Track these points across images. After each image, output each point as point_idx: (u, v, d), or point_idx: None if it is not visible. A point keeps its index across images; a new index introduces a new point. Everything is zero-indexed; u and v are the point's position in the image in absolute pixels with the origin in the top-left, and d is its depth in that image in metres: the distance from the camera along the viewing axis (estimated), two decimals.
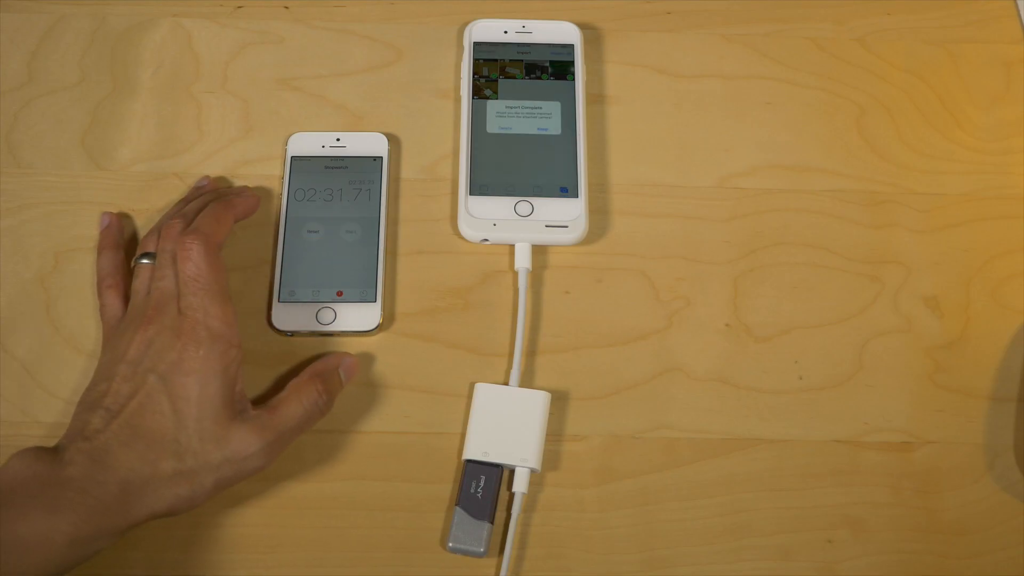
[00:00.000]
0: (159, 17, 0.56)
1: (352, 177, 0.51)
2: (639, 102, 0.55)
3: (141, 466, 0.40)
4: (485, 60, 0.54)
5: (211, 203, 0.47)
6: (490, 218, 0.50)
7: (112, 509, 0.39)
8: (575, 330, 0.49)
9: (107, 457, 0.39)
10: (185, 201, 0.50)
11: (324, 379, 0.45)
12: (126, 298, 0.46)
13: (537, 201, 0.50)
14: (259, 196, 0.50)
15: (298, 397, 0.44)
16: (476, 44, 0.54)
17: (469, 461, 0.46)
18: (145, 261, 0.46)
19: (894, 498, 0.47)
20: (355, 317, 0.48)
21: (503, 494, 0.46)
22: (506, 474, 0.46)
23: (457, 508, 0.45)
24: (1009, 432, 0.48)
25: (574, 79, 0.54)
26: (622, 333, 0.49)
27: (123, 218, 0.50)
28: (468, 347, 0.49)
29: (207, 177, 0.51)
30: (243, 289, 0.50)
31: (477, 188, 0.51)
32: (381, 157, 0.52)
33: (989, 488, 0.47)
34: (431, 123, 0.54)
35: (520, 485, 0.45)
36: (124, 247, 0.49)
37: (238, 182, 0.52)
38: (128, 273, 0.47)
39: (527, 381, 0.48)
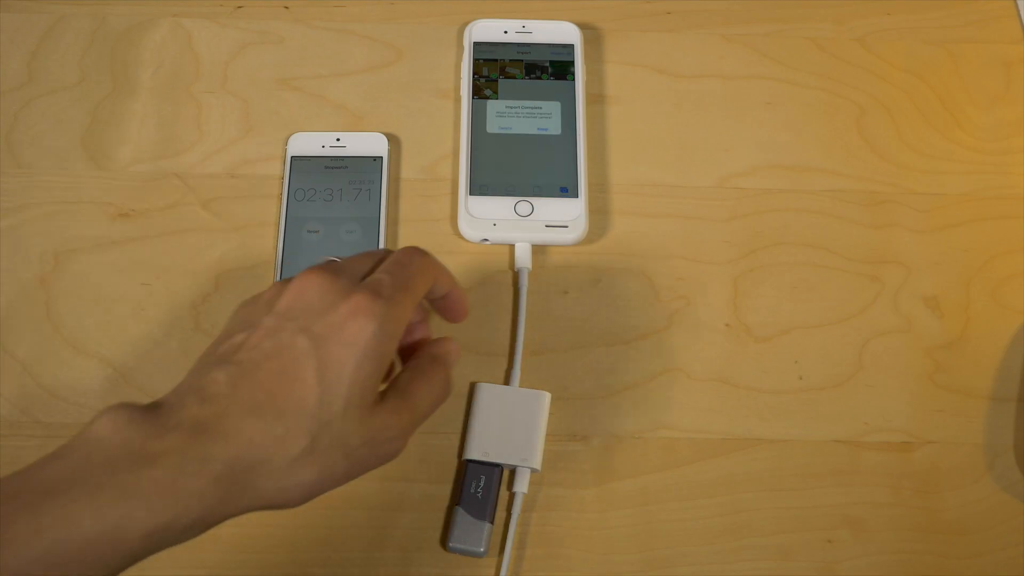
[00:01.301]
0: (159, 17, 0.56)
1: (352, 177, 0.51)
2: (639, 102, 0.55)
3: (263, 440, 0.33)
4: (485, 60, 0.54)
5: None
6: (490, 218, 0.50)
7: (206, 494, 0.32)
8: (575, 330, 0.49)
9: (222, 425, 0.32)
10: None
11: (445, 365, 0.39)
12: None
13: (537, 201, 0.50)
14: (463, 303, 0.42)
15: (427, 382, 0.38)
16: (476, 44, 0.54)
17: (469, 461, 0.46)
18: None
19: (894, 498, 0.47)
20: None
21: (503, 494, 0.46)
22: (506, 474, 0.46)
23: (457, 508, 0.45)
24: (1009, 432, 0.48)
25: (574, 79, 0.54)
26: (622, 333, 0.49)
27: None
28: (468, 347, 0.49)
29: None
30: (243, 289, 0.49)
31: (477, 188, 0.51)
32: (381, 157, 0.52)
33: (989, 488, 0.47)
34: (431, 123, 0.54)
35: (520, 485, 0.45)
36: None
37: (238, 182, 0.52)
38: None
39: (527, 381, 0.48)
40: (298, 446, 0.33)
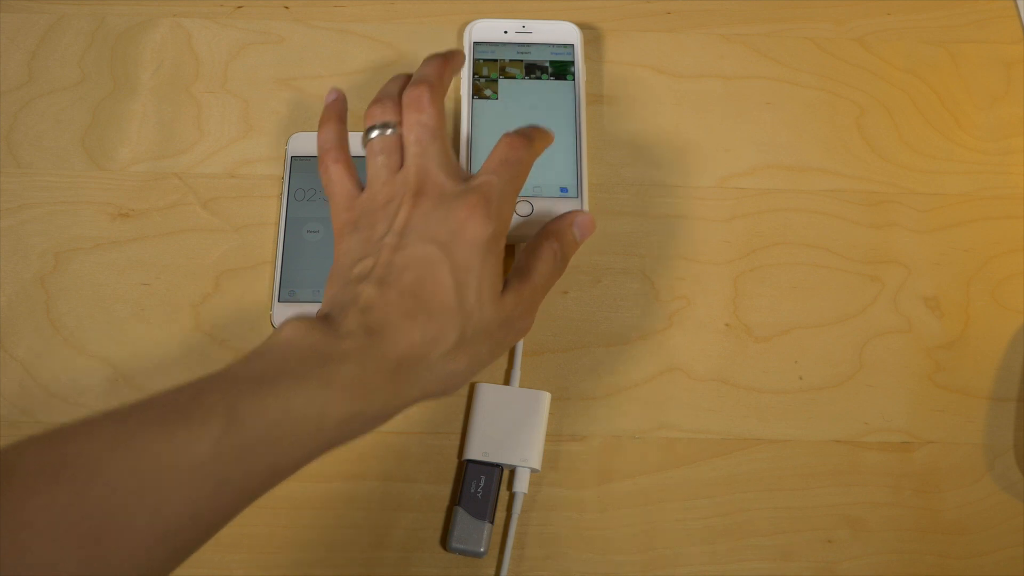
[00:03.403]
0: (159, 17, 0.56)
1: None
2: (639, 102, 0.55)
3: (423, 340, 0.37)
4: (485, 60, 0.54)
5: (427, 59, 0.44)
6: None
7: (385, 388, 0.36)
8: (575, 330, 0.49)
9: (387, 330, 0.37)
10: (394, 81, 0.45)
11: (558, 237, 0.43)
12: (352, 173, 0.43)
13: (537, 201, 0.50)
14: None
15: (539, 258, 0.42)
16: (476, 44, 0.54)
17: (469, 461, 0.46)
18: (389, 132, 0.42)
19: (894, 498, 0.47)
20: None
21: (503, 494, 0.46)
22: (506, 474, 0.46)
23: (457, 508, 0.45)
24: (1009, 432, 0.48)
25: (574, 79, 0.54)
26: (622, 333, 0.49)
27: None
28: None
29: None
30: (244, 289, 0.50)
31: None
32: None
33: (989, 488, 0.47)
34: None
35: (520, 485, 0.45)
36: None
37: (238, 182, 0.52)
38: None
39: (527, 381, 0.48)
40: (450, 340, 0.38)
